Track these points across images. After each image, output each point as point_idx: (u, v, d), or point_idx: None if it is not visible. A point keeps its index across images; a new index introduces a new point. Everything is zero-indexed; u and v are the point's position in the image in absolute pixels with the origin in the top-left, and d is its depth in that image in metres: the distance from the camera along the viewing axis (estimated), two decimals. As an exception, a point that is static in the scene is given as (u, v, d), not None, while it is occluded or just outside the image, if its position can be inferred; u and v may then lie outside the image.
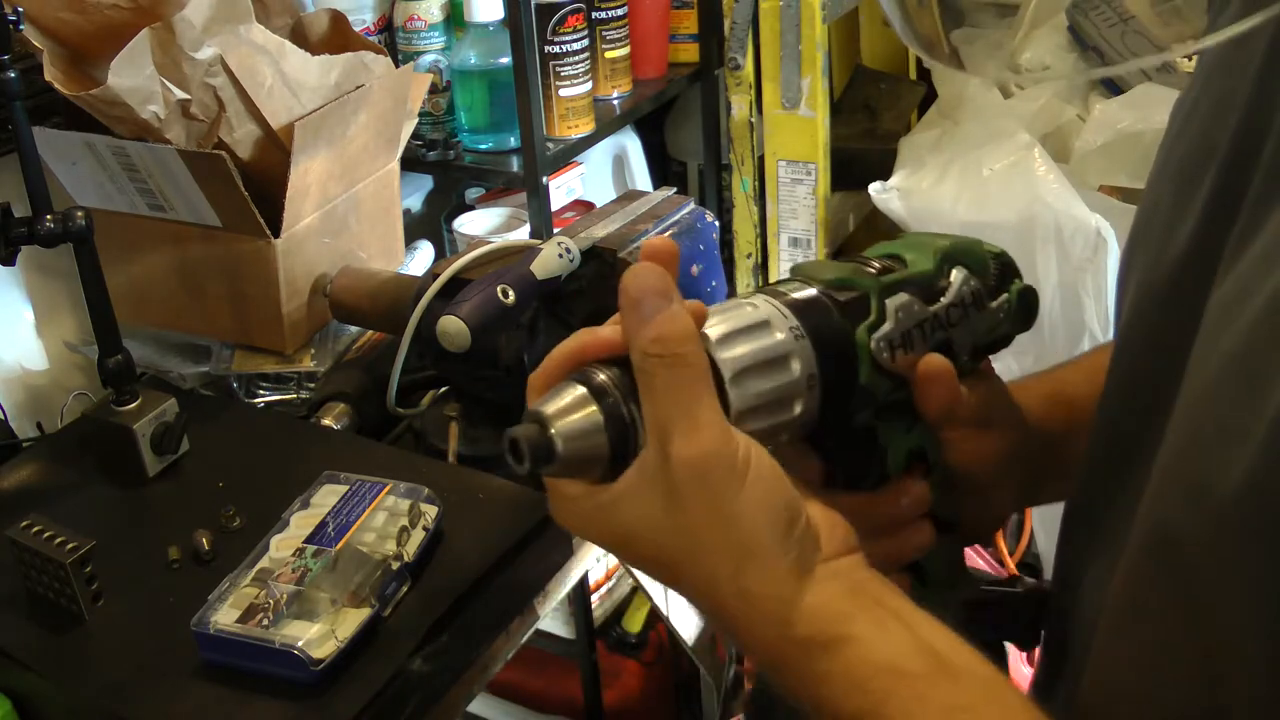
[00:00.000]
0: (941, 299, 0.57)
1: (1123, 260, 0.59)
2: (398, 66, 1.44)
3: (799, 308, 0.53)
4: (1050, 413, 0.66)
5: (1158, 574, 0.46)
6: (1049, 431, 0.65)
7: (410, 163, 1.50)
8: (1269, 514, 0.39)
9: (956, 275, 0.58)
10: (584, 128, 1.56)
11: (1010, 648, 0.66)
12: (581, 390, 0.49)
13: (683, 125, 1.95)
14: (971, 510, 0.62)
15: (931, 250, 0.58)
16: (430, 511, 0.95)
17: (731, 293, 1.71)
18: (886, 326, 0.54)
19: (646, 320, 0.48)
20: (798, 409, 0.52)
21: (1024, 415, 0.64)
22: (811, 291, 0.54)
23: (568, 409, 0.48)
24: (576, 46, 1.52)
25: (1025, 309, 0.61)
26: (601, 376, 0.49)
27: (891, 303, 0.55)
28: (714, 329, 0.51)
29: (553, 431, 0.48)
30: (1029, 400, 0.65)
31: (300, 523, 0.93)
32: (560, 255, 1.09)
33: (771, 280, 1.84)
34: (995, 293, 0.60)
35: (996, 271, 0.60)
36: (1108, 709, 0.51)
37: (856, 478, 0.57)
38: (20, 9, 1.01)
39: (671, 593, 1.56)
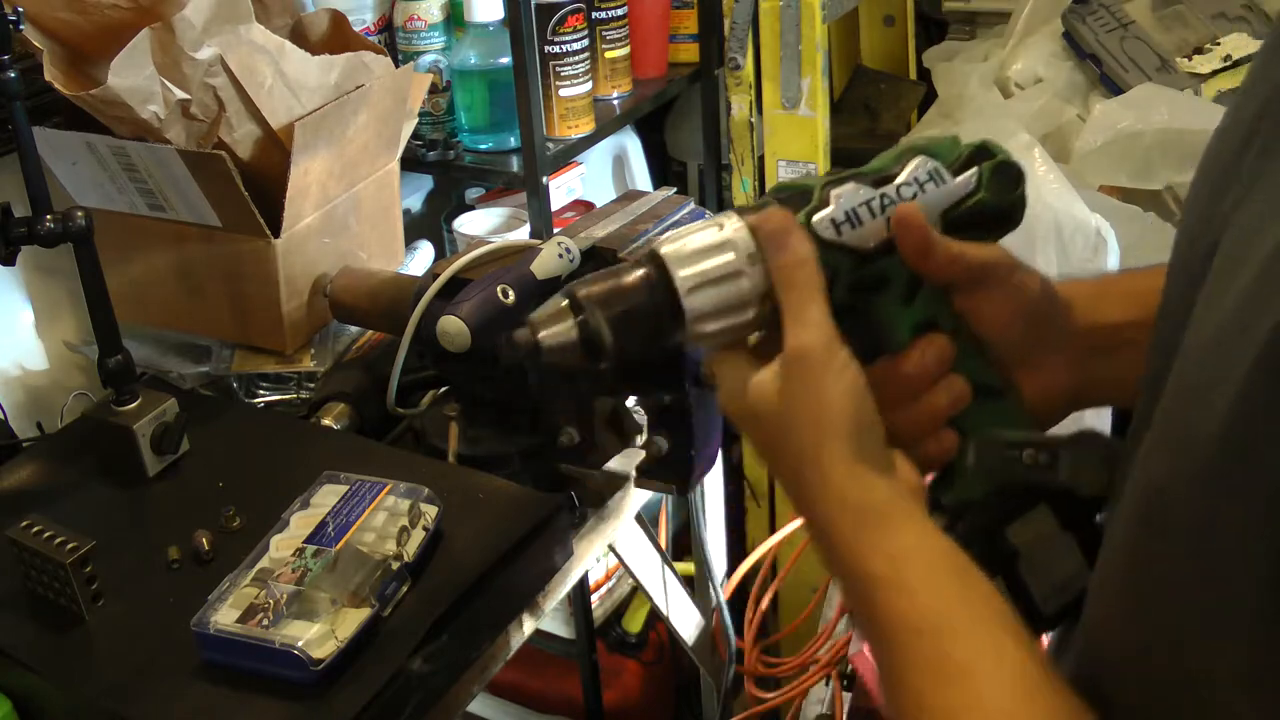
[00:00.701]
0: (894, 180, 0.63)
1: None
2: (398, 66, 1.44)
3: (745, 210, 0.63)
4: (1059, 292, 0.67)
5: (1144, 527, 0.47)
6: (1059, 313, 0.67)
7: (410, 163, 1.50)
8: (1245, 466, 0.39)
9: (914, 161, 0.64)
10: (584, 128, 1.56)
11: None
12: (565, 303, 0.62)
13: (683, 125, 1.95)
14: (1027, 383, 0.65)
15: (900, 150, 0.65)
16: (430, 511, 0.95)
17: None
18: (827, 209, 0.63)
19: (777, 250, 0.61)
20: (745, 283, 0.61)
21: (1039, 280, 0.66)
22: (764, 200, 0.64)
23: (552, 319, 0.62)
24: (576, 46, 1.52)
25: (1003, 177, 0.64)
26: (584, 291, 0.62)
27: (835, 191, 0.63)
28: (668, 244, 0.62)
29: (539, 337, 0.62)
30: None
31: (300, 523, 0.93)
32: (560, 255, 1.09)
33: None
34: (963, 169, 0.64)
35: (969, 154, 0.64)
36: (1098, 664, 0.52)
37: (869, 356, 0.63)
38: (20, 9, 1.01)
39: (671, 592, 1.56)
